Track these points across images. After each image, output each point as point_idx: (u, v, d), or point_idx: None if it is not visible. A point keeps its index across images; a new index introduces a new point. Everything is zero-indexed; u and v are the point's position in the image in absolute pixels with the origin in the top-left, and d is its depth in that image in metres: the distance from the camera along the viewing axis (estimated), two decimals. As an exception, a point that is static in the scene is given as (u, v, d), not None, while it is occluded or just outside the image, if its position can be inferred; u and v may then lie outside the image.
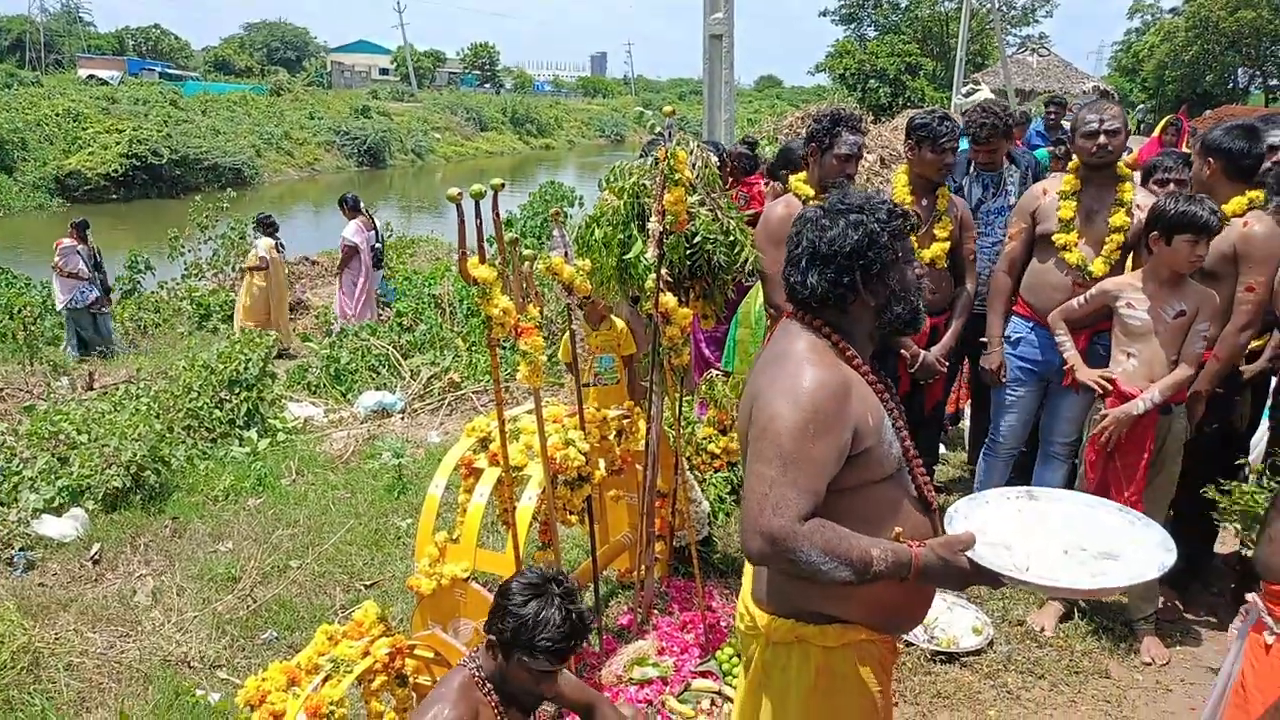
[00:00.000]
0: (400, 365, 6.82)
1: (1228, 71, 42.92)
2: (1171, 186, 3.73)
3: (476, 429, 3.22)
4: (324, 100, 41.87)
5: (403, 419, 6.11)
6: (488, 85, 71.71)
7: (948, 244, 3.81)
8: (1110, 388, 3.26)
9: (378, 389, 6.56)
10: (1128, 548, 1.81)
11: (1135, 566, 1.76)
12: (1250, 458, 4.10)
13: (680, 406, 3.31)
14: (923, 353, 3.80)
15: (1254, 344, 3.62)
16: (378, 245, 9.51)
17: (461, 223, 2.46)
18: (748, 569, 2.06)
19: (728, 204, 3.11)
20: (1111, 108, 3.51)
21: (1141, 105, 42.24)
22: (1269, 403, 3.73)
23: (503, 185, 2.59)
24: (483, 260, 2.53)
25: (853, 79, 35.63)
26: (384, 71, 69.10)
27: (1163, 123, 7.96)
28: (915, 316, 1.89)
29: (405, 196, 29.07)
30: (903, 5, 40.38)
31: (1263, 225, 3.22)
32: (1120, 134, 3.43)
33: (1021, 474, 4.09)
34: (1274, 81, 41.98)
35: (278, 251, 9.39)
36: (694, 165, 2.96)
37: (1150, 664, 3.35)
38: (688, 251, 2.98)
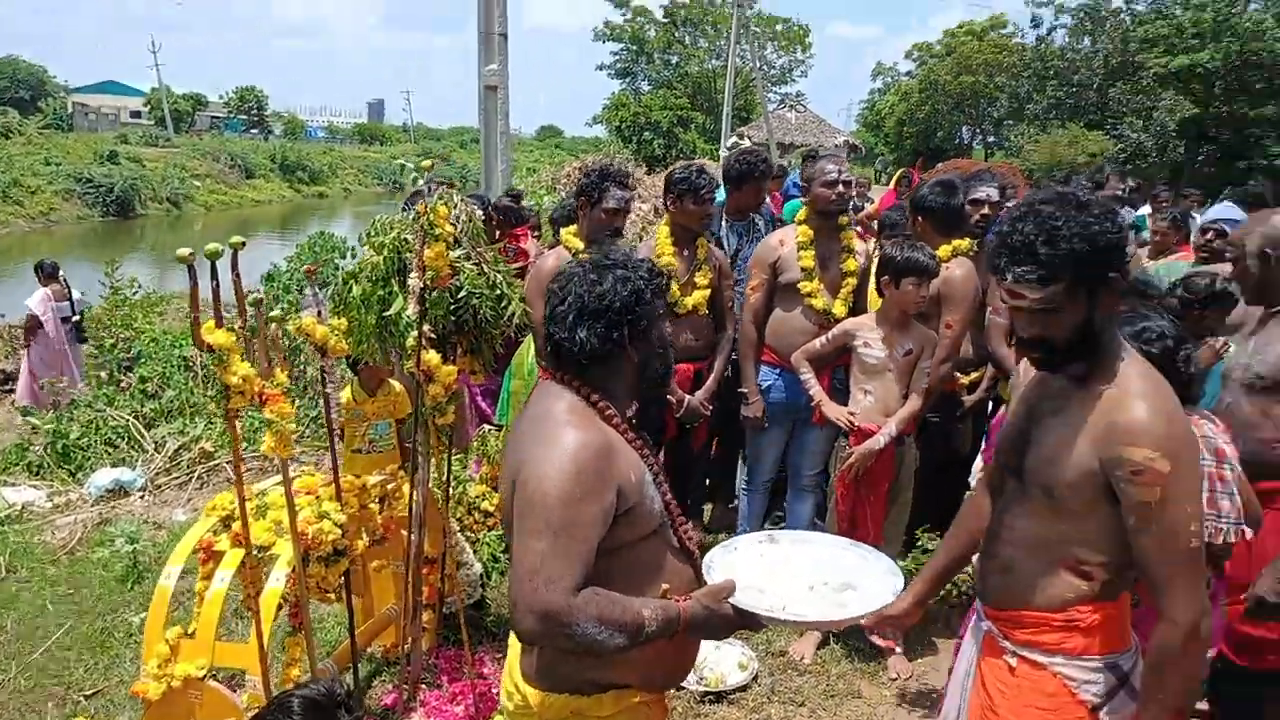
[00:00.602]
0: (143, 437, 6.15)
1: (954, 129, 48.78)
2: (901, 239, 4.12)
3: (218, 507, 2.94)
4: (62, 144, 37.87)
5: (144, 498, 5.49)
6: (255, 130, 67.91)
7: (708, 291, 3.98)
8: (855, 426, 3.51)
9: (115, 465, 5.87)
10: (864, 579, 1.97)
11: (872, 594, 1.92)
12: (974, 481, 4.55)
13: (450, 466, 3.20)
14: (688, 397, 3.93)
15: (973, 376, 4.03)
16: (75, 317, 8.49)
17: (195, 285, 2.30)
18: (513, 643, 1.98)
19: (494, 258, 3.08)
20: (844, 160, 3.89)
21: (882, 157, 46.95)
22: (986, 429, 4.14)
23: (243, 243, 2.42)
24: (219, 324, 2.34)
25: (628, 130, 37.15)
26: (136, 114, 63.73)
27: (896, 175, 8.81)
28: (668, 372, 1.96)
29: (159, 249, 26.66)
30: (673, 61, 42.60)
31: (962, 270, 3.61)
32: (853, 184, 3.80)
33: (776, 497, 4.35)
34: (991, 138, 48.01)
35: None
36: (457, 219, 2.91)
37: (896, 679, 3.57)
38: (452, 307, 2.91)
